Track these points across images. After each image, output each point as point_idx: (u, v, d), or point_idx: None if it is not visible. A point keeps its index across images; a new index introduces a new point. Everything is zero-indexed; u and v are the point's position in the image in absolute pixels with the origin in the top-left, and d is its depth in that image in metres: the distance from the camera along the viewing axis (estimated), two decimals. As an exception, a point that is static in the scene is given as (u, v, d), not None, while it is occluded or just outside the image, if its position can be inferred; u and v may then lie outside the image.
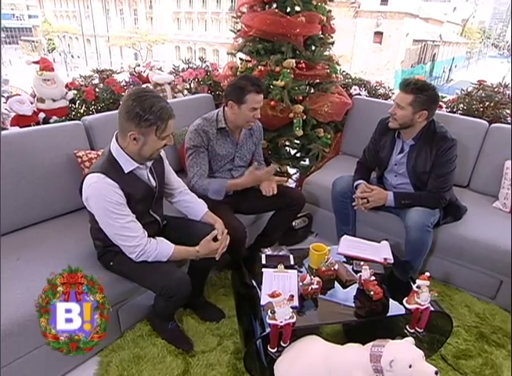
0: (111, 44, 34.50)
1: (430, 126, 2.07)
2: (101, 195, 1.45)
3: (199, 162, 2.03)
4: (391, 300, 1.63)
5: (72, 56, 32.32)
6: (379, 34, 25.95)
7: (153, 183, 1.65)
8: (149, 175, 1.64)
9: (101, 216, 1.50)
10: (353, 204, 2.22)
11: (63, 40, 38.42)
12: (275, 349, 1.48)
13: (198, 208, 1.88)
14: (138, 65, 2.84)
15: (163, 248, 1.59)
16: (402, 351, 1.28)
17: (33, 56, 29.55)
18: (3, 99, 2.20)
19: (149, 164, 1.63)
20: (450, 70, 31.34)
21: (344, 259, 1.89)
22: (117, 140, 1.52)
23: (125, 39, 33.18)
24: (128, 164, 1.52)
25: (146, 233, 1.57)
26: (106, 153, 1.54)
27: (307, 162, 3.08)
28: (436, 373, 1.22)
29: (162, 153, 1.74)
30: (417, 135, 2.09)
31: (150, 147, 1.50)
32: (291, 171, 3.12)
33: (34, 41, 38.37)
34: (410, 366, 1.23)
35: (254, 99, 1.94)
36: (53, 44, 37.38)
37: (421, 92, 1.97)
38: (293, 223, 2.59)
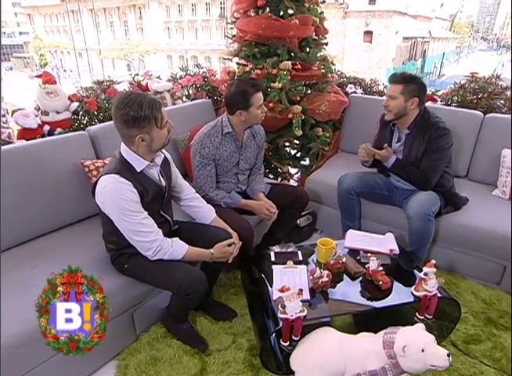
0: (103, 56, 34.59)
1: (424, 116, 2.18)
2: (117, 194, 1.50)
3: (205, 174, 2.10)
4: (399, 289, 1.67)
5: (64, 70, 32.39)
6: (369, 33, 26.14)
7: (163, 183, 1.71)
8: (159, 175, 1.69)
9: (117, 215, 1.54)
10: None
11: (54, 55, 38.55)
12: (288, 343, 1.52)
13: (207, 213, 1.93)
14: (137, 74, 2.88)
15: (178, 247, 1.64)
16: (414, 336, 1.32)
17: (25, 72, 29.66)
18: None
19: (159, 162, 1.69)
20: (441, 65, 31.59)
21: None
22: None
23: (117, 51, 33.34)
24: (139, 164, 1.58)
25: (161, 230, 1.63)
26: (116, 156, 1.60)
27: (307, 161, 3.13)
28: (448, 355, 1.26)
29: (169, 156, 1.79)
30: (412, 125, 2.19)
31: (158, 140, 1.56)
32: (292, 171, 3.17)
33: (25, 58, 38.50)
34: (423, 351, 1.27)
35: (258, 98, 2.01)
36: (45, 59, 37.50)
37: (409, 81, 2.13)
38: (298, 221, 2.63)
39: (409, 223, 2.13)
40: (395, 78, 2.16)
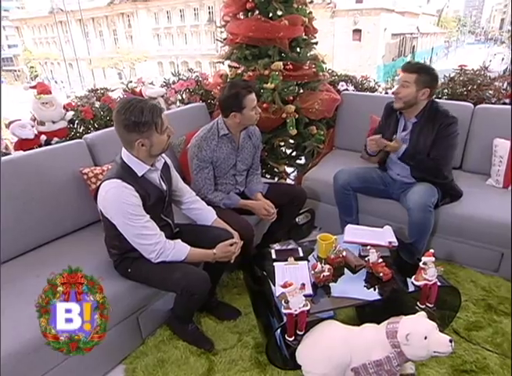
0: (93, 66, 34.58)
1: (432, 105, 2.21)
2: (120, 198, 1.52)
3: (204, 177, 2.12)
4: (399, 279, 1.70)
5: (56, 82, 32.31)
6: (357, 31, 26.31)
7: (164, 187, 1.73)
8: (160, 180, 1.71)
9: (121, 219, 1.56)
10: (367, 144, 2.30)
11: (45, 66, 38.47)
12: (293, 338, 1.54)
13: (208, 215, 1.96)
14: (131, 81, 2.91)
15: (180, 248, 1.66)
16: (416, 324, 1.35)
17: (16, 85, 29.58)
18: None
19: (160, 166, 1.71)
20: (430, 60, 31.72)
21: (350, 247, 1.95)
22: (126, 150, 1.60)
23: (107, 60, 33.35)
24: (140, 168, 1.60)
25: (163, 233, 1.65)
26: (118, 161, 1.62)
27: (303, 160, 3.16)
28: (451, 341, 1.29)
29: (169, 161, 1.82)
30: (419, 113, 2.21)
31: (157, 145, 1.58)
32: (289, 170, 3.20)
33: (16, 70, 38.41)
34: (426, 338, 1.30)
35: (251, 100, 2.03)
36: (35, 71, 37.41)
37: (424, 72, 2.14)
38: (297, 219, 2.65)
39: (409, 215, 2.16)
40: (410, 67, 2.17)
